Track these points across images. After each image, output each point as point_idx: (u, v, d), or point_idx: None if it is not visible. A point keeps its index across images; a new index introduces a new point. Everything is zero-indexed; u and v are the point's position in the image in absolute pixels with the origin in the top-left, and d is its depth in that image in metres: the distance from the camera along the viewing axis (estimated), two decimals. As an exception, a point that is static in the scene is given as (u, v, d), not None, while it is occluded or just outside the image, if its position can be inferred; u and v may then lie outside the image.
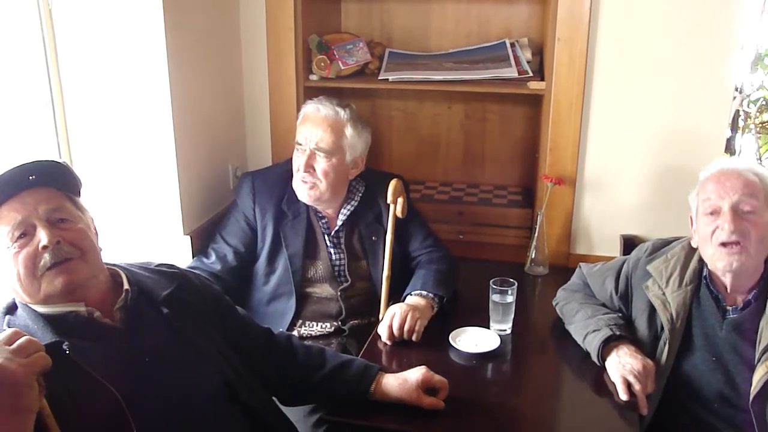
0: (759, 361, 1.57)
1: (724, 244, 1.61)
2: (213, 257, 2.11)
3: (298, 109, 2.36)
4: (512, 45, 2.60)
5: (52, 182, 1.32)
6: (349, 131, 2.10)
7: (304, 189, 2.08)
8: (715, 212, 1.63)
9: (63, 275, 1.26)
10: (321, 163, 2.06)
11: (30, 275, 1.25)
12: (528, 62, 2.53)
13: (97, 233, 1.38)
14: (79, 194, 1.38)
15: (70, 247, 1.28)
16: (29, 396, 1.03)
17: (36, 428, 1.06)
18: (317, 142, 2.05)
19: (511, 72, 2.46)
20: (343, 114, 2.10)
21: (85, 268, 1.30)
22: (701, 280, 1.71)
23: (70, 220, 1.31)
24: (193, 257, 2.15)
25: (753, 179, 1.61)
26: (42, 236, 1.25)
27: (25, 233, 1.26)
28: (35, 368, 1.05)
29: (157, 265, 1.52)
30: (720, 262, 1.63)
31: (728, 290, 1.67)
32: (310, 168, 2.06)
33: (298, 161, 2.08)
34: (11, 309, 1.30)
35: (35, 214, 1.27)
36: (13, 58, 1.91)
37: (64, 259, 1.27)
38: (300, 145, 2.08)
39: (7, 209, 1.26)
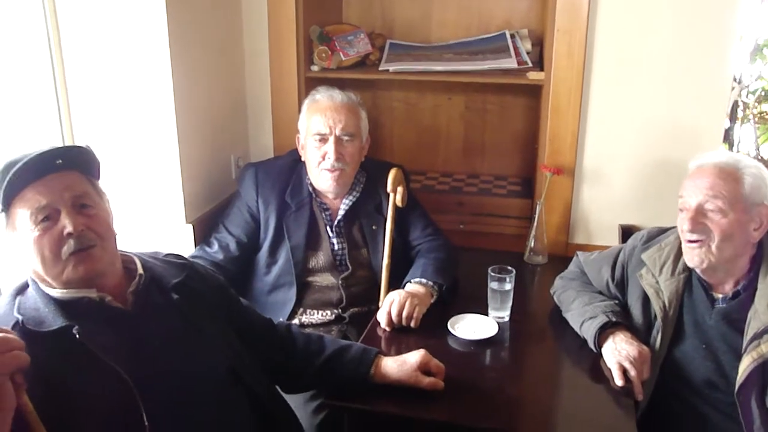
0: (745, 351, 1.58)
1: (688, 241, 1.64)
2: (216, 246, 2.13)
3: (300, 100, 2.38)
4: (512, 36, 2.61)
5: (76, 166, 1.34)
6: (363, 114, 2.16)
7: (330, 177, 2.09)
8: (684, 209, 1.66)
9: (85, 263, 1.28)
10: (348, 148, 2.09)
11: (56, 257, 1.27)
12: (528, 53, 2.55)
13: (113, 217, 1.40)
14: (99, 177, 1.40)
15: (91, 234, 1.30)
16: (1, 395, 1.04)
17: (19, 426, 1.07)
18: (343, 128, 2.07)
19: (511, 63, 2.47)
20: (354, 98, 2.15)
21: (105, 256, 1.32)
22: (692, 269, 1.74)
23: (92, 206, 1.33)
24: (195, 246, 2.17)
25: (726, 177, 1.60)
26: (67, 223, 1.27)
27: (48, 217, 1.27)
28: (6, 369, 1.06)
29: (165, 255, 1.54)
30: (686, 257, 1.67)
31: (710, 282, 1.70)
32: (340, 155, 2.07)
33: (323, 150, 2.07)
34: (22, 290, 1.32)
35: (61, 200, 1.28)
36: (18, 46, 1.93)
37: (87, 246, 1.29)
38: (321, 134, 2.08)
39: (32, 192, 1.27)
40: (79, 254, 1.28)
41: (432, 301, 1.98)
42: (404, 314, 1.87)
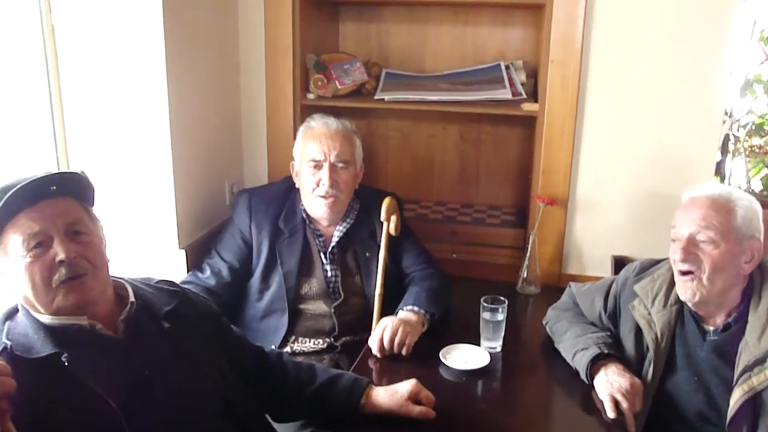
0: (736, 383, 1.58)
1: (680, 272, 1.65)
2: (208, 272, 2.12)
3: (295, 127, 2.39)
4: (507, 67, 2.63)
5: (71, 193, 1.34)
6: (357, 142, 2.17)
7: (324, 204, 2.09)
8: (676, 240, 1.66)
9: (76, 292, 1.28)
10: (342, 175, 2.10)
11: (47, 285, 1.26)
12: (522, 84, 2.57)
13: (106, 244, 1.40)
14: (93, 203, 1.40)
15: (84, 262, 1.29)
16: None
17: None
18: (337, 155, 2.09)
19: (506, 94, 2.50)
20: (349, 126, 2.17)
21: (97, 285, 1.31)
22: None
23: (86, 233, 1.33)
24: (188, 271, 2.16)
25: (719, 209, 1.61)
26: (59, 251, 1.26)
27: (41, 243, 1.27)
28: None
29: (157, 282, 1.53)
30: (679, 290, 1.67)
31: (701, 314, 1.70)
32: (335, 182, 2.08)
33: (317, 177, 2.09)
34: (11, 315, 1.31)
35: (54, 227, 1.28)
36: (15, 70, 1.94)
37: (78, 275, 1.28)
38: (315, 161, 2.09)
39: (25, 218, 1.26)
40: (70, 283, 1.27)
41: (423, 329, 1.97)
42: (396, 341, 1.86)
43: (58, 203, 1.31)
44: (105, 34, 2.01)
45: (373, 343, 1.89)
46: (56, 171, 1.34)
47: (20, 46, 1.95)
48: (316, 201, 2.10)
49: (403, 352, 1.86)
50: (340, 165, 2.10)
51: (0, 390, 1.07)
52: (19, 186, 1.25)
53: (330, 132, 2.12)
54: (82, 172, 1.37)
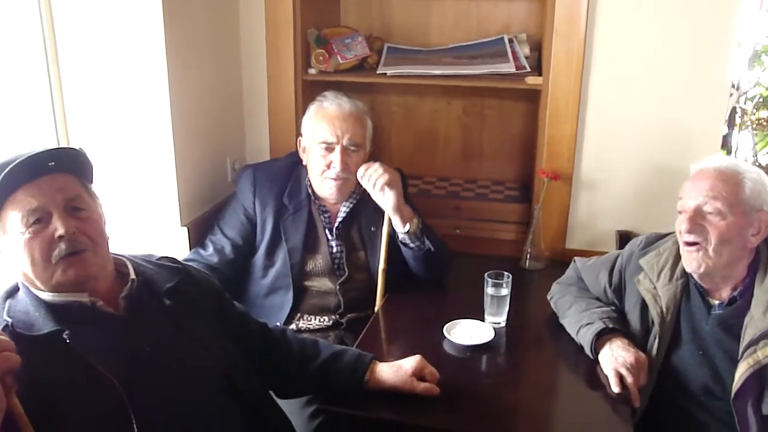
0: (742, 357, 1.58)
1: (685, 243, 1.63)
2: (210, 249, 2.11)
3: (297, 103, 2.38)
4: (511, 41, 2.60)
5: (69, 169, 1.33)
6: (369, 123, 2.15)
7: (334, 186, 2.08)
8: (683, 211, 1.65)
9: (75, 267, 1.27)
10: (353, 158, 2.08)
11: (46, 261, 1.26)
12: (526, 58, 2.54)
13: (105, 221, 1.39)
14: (92, 180, 1.39)
15: (84, 238, 1.29)
16: None
17: (8, 428, 1.06)
18: (350, 137, 2.07)
19: (509, 67, 2.46)
20: (361, 106, 2.15)
21: (97, 261, 1.31)
22: (690, 274, 1.72)
23: (85, 209, 1.32)
24: (190, 249, 2.16)
25: (727, 180, 1.60)
26: (59, 226, 1.26)
27: (40, 219, 1.26)
28: None
29: (159, 258, 1.53)
30: (684, 262, 1.66)
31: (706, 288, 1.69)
32: (346, 165, 2.06)
33: (329, 159, 2.06)
34: (12, 293, 1.31)
35: (53, 203, 1.27)
36: (13, 48, 1.93)
37: (78, 250, 1.27)
38: (327, 143, 2.07)
39: (23, 194, 1.26)
40: (70, 258, 1.27)
41: (411, 220, 2.04)
42: (379, 172, 1.95)
43: (57, 179, 1.30)
44: (103, 10, 1.98)
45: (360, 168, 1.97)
46: (54, 147, 1.32)
47: (17, 22, 1.93)
48: (325, 182, 2.09)
49: (379, 185, 1.97)
50: (352, 148, 2.08)
51: (5, 366, 1.07)
52: (17, 162, 1.24)
53: (344, 114, 2.09)
54: (80, 149, 1.36)
